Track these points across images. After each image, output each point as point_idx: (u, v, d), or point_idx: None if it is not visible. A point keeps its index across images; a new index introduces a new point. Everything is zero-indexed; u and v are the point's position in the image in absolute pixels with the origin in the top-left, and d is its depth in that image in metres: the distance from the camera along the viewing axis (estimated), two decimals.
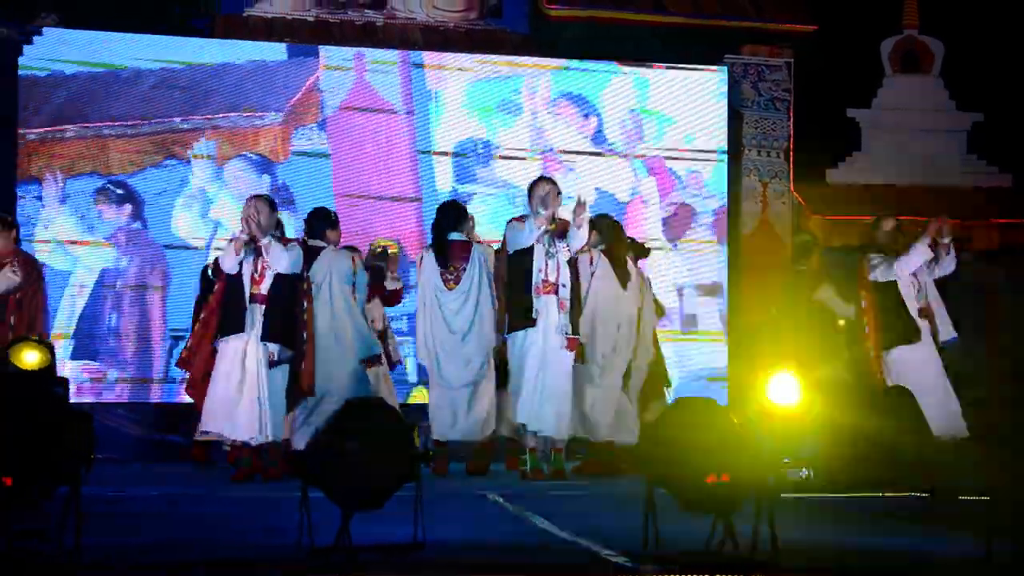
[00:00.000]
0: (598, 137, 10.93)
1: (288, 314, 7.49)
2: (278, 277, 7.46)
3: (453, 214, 8.09)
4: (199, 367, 7.75)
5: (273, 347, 7.40)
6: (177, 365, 8.58)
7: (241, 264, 7.48)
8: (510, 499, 6.31)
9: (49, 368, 6.33)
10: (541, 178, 7.91)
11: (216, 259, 8.70)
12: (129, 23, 10.15)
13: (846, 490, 6.30)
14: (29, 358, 6.32)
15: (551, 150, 10.80)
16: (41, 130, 9.94)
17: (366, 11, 10.89)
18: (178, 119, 10.21)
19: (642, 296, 8.37)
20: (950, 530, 5.47)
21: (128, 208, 10.12)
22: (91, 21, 10.10)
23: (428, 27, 10.96)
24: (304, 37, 10.63)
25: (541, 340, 7.54)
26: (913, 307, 8.19)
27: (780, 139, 11.33)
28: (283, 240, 7.70)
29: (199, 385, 7.71)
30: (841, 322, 9.00)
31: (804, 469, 6.57)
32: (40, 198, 9.92)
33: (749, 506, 4.50)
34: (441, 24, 10.98)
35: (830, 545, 5.02)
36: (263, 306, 7.43)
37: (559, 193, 7.70)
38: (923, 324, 8.17)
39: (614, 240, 8.21)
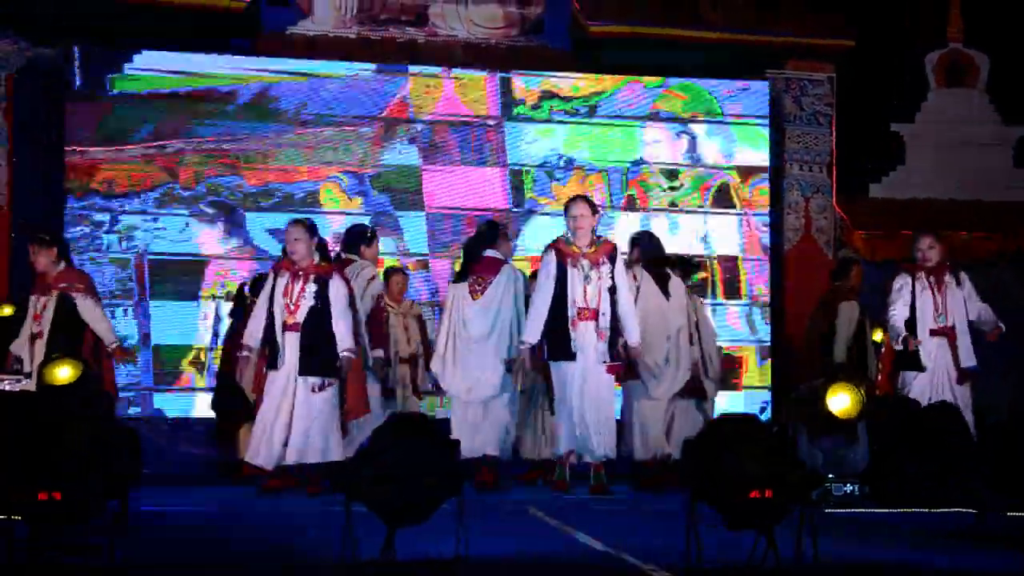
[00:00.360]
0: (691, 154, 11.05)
1: (327, 344, 7.41)
2: (313, 308, 7.42)
3: (491, 233, 8.08)
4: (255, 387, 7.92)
5: (314, 380, 7.40)
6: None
7: (273, 291, 7.45)
8: (552, 513, 6.31)
9: (91, 383, 6.42)
10: (575, 198, 7.76)
11: (255, 277, 8.79)
12: (171, 44, 10.30)
13: (892, 505, 6.26)
14: (61, 374, 6.43)
15: (641, 161, 10.88)
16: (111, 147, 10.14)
17: (407, 28, 10.97)
18: (272, 134, 10.43)
19: (696, 312, 8.37)
20: (998, 547, 5.42)
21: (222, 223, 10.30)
22: (130, 43, 10.25)
23: (469, 44, 11.02)
24: (346, 55, 10.72)
25: (579, 371, 7.39)
26: (925, 328, 8.00)
27: (823, 154, 11.28)
28: (328, 268, 7.60)
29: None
30: (877, 337, 8.97)
31: (849, 484, 6.52)
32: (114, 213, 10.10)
33: (792, 521, 4.47)
34: (482, 41, 11.04)
35: (874, 561, 4.98)
36: (298, 335, 7.41)
37: (595, 213, 7.58)
38: (935, 345, 7.97)
39: (654, 255, 8.18)
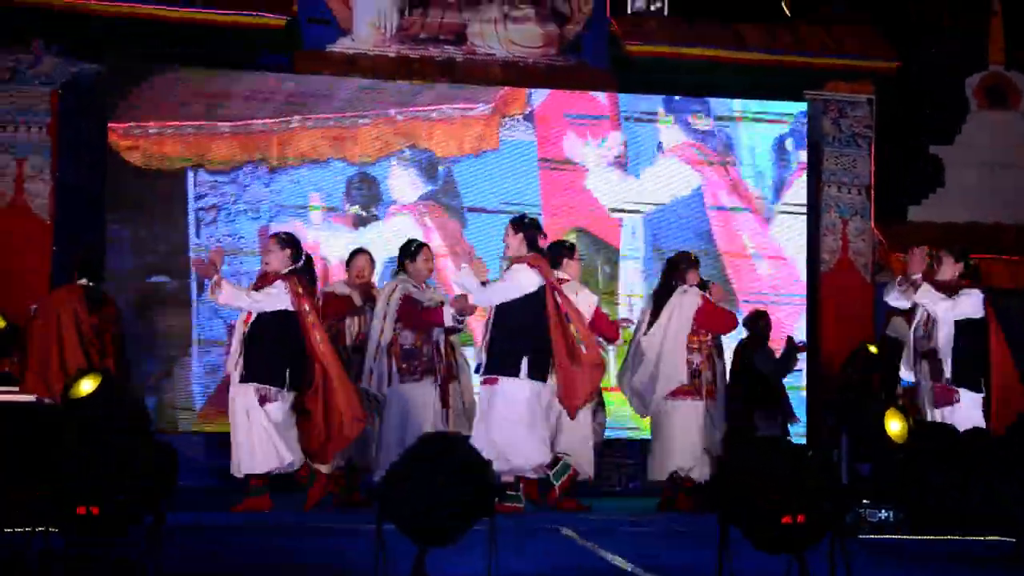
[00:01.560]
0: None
1: (272, 352, 7.35)
2: (261, 315, 7.38)
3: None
4: None
5: (257, 388, 7.36)
6: None
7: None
8: (583, 535, 6.30)
9: (120, 395, 6.50)
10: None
11: None
12: (210, 61, 10.41)
13: (929, 531, 6.21)
14: (84, 387, 6.52)
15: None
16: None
17: (446, 47, 11.03)
18: (394, 111, 10.61)
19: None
20: None
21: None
22: (168, 60, 10.37)
23: (507, 63, 11.06)
24: (385, 73, 10.79)
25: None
26: (911, 348, 7.78)
27: (861, 176, 11.23)
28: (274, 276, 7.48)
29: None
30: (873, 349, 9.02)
31: (884, 510, 6.48)
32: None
33: (825, 546, 4.45)
34: (520, 60, 11.08)
35: None
36: (242, 343, 7.43)
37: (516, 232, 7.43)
38: (924, 368, 7.69)
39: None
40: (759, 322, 9.77)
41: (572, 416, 7.44)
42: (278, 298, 7.35)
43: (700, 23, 11.19)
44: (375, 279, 8.44)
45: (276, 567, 5.13)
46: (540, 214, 10.30)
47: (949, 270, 7.69)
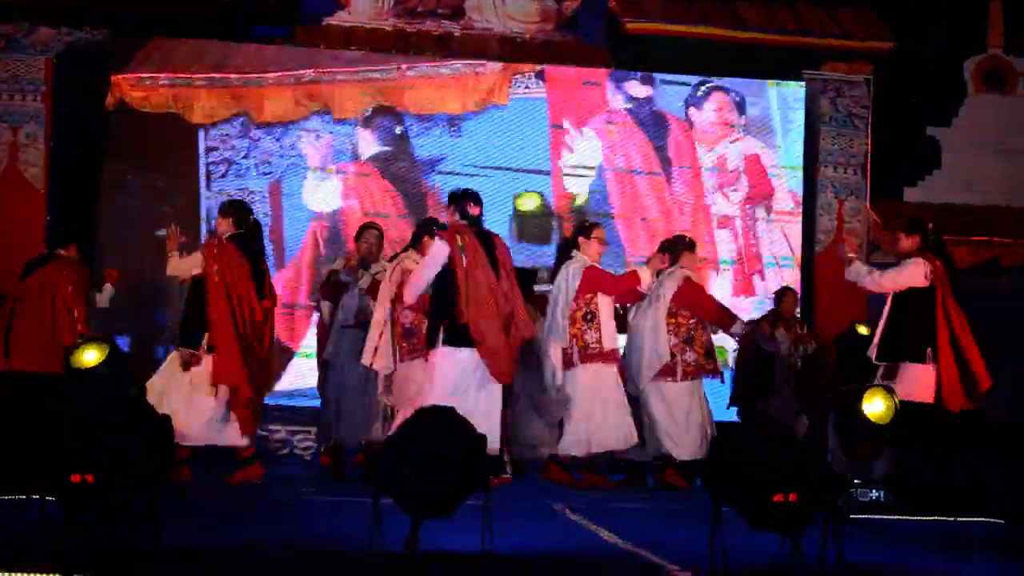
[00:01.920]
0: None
1: (186, 315, 7.54)
2: (193, 279, 7.57)
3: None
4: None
5: (184, 351, 7.48)
6: None
7: None
8: (577, 511, 6.33)
9: (122, 366, 6.48)
10: None
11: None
12: (208, 33, 10.37)
13: (919, 512, 6.23)
14: (88, 357, 6.49)
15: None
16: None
17: (443, 21, 10.99)
18: (405, 66, 10.63)
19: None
20: None
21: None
22: (168, 33, 10.33)
23: (504, 37, 11.03)
24: (381, 46, 10.76)
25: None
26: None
27: (857, 156, 11.23)
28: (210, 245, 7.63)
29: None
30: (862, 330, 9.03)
31: (875, 490, 6.50)
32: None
33: (817, 525, 4.48)
34: (517, 35, 11.05)
35: (899, 568, 4.97)
36: None
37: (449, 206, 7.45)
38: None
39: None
40: (782, 299, 9.75)
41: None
42: (193, 262, 7.50)
43: (698, 1, 11.16)
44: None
45: (272, 541, 5.15)
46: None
47: (904, 243, 7.66)
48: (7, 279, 8.77)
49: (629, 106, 10.97)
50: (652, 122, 11.00)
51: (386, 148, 10.63)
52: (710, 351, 8.25)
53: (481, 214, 7.14)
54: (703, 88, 11.08)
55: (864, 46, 11.19)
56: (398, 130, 10.62)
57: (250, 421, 7.41)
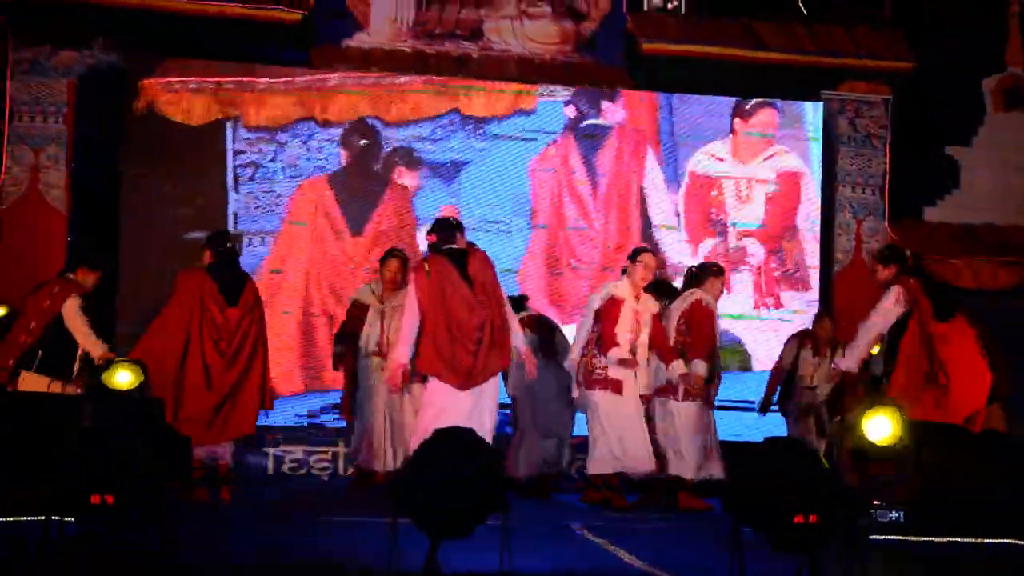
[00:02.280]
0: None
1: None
2: None
3: None
4: None
5: None
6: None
7: None
8: (596, 532, 6.31)
9: (144, 389, 6.50)
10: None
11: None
12: (227, 55, 10.43)
13: (940, 534, 6.19)
14: (121, 379, 6.50)
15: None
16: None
17: (462, 42, 11.03)
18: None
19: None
20: None
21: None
22: (185, 54, 10.39)
23: (523, 59, 11.06)
24: (400, 67, 10.80)
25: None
26: None
27: (876, 176, 11.21)
28: None
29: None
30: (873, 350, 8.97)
31: (895, 511, 6.46)
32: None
33: (836, 547, 4.45)
34: (536, 56, 11.08)
35: None
36: None
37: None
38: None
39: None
40: (816, 322, 9.69)
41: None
42: None
43: (717, 21, 11.17)
44: None
45: (289, 559, 5.15)
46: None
47: (882, 275, 7.52)
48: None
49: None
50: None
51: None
52: (712, 374, 8.22)
53: (451, 238, 7.26)
54: (752, 102, 11.08)
55: (883, 65, 11.17)
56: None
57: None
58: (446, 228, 7.31)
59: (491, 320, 7.03)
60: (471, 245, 7.37)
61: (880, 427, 5.57)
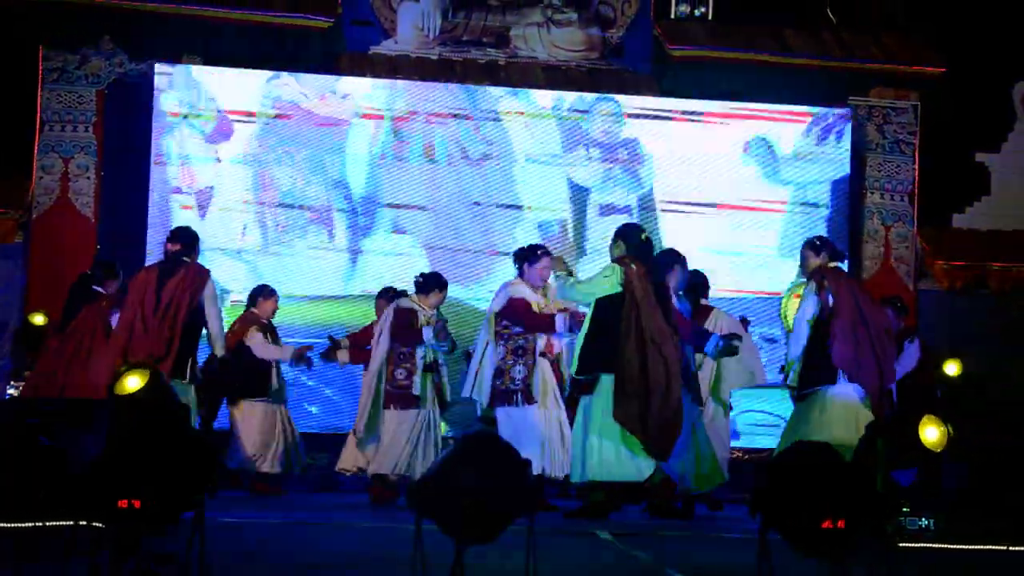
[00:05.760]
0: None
1: None
2: None
3: None
4: None
5: None
6: None
7: None
8: (621, 537, 6.28)
9: (167, 394, 6.52)
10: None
11: None
12: (254, 63, 10.49)
13: (969, 542, 6.14)
14: (130, 383, 6.53)
15: None
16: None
17: (489, 50, 11.05)
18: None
19: None
20: None
21: None
22: (213, 61, 10.46)
23: (550, 66, 11.08)
24: (427, 75, 10.82)
25: None
26: None
27: (905, 182, 11.15)
28: None
29: None
30: (950, 371, 8.86)
31: (924, 518, 6.41)
32: None
33: (864, 553, 4.42)
34: (563, 63, 11.09)
35: None
36: None
37: None
38: None
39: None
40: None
41: None
42: None
43: (744, 28, 11.15)
44: None
45: (315, 565, 5.15)
46: None
47: (812, 263, 7.09)
48: (59, 306, 8.84)
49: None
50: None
51: None
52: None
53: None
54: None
55: (912, 71, 11.13)
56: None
57: None
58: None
59: None
60: None
61: (931, 436, 5.75)
